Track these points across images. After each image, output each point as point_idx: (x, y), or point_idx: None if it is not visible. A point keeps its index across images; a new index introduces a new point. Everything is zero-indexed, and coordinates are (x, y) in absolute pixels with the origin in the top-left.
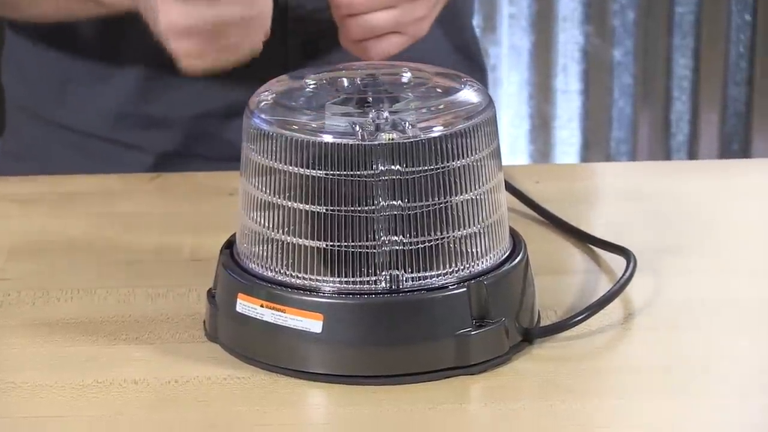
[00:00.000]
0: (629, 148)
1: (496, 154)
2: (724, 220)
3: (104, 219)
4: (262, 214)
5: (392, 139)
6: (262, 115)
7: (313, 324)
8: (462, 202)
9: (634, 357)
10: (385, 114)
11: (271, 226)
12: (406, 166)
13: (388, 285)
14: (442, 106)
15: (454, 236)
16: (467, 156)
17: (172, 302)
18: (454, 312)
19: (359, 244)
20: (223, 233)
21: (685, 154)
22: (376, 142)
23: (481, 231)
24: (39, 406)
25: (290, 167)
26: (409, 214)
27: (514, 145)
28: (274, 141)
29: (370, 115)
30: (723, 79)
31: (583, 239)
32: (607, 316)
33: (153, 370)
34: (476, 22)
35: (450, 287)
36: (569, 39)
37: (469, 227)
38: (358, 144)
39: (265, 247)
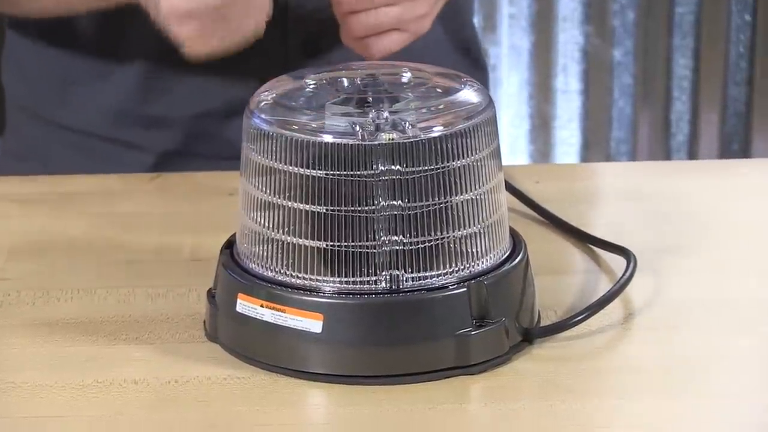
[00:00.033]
0: (629, 148)
1: (496, 154)
2: (724, 220)
3: (104, 219)
4: (262, 214)
5: (392, 139)
6: (262, 115)
7: (313, 324)
8: (462, 202)
9: (634, 357)
10: (385, 114)
11: (271, 226)
12: (406, 166)
13: (388, 285)
14: (442, 106)
15: (454, 236)
16: (467, 156)
17: (172, 302)
18: (454, 312)
19: (359, 244)
20: (223, 233)
21: (685, 154)
22: (376, 142)
23: (481, 231)
24: (39, 406)
25: (290, 167)
26: (409, 214)
27: (514, 145)
28: (274, 141)
29: (370, 115)
30: (723, 79)
31: (583, 239)
32: (607, 316)
33: (153, 370)
34: (476, 22)
35: (450, 287)
36: (569, 39)
37: (469, 227)
38: (358, 144)
39: (265, 247)
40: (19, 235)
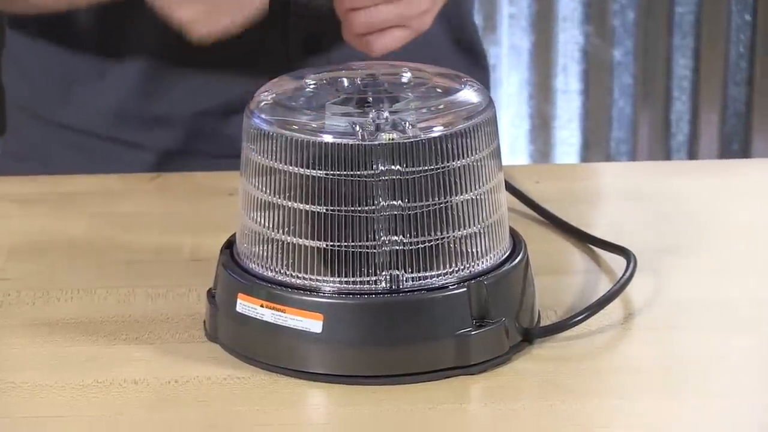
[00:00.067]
0: (629, 148)
1: (496, 154)
2: (724, 220)
3: (104, 219)
4: (262, 214)
5: (392, 139)
6: (262, 115)
7: (313, 324)
8: (462, 202)
9: (634, 357)
10: (385, 114)
11: (271, 226)
12: (406, 166)
13: (388, 285)
14: (442, 106)
15: (454, 236)
16: (467, 156)
17: (172, 302)
18: (454, 312)
19: (359, 244)
20: (223, 233)
21: (685, 154)
22: (376, 142)
23: (481, 231)
24: (39, 406)
25: (290, 167)
26: (409, 214)
27: (514, 145)
28: (274, 141)
29: (370, 115)
30: (723, 79)
31: (583, 239)
32: (607, 316)
33: (153, 370)
34: (476, 21)
35: (450, 287)
36: (569, 39)
37: (469, 227)
38: (358, 144)
39: (265, 247)
40: (19, 235)
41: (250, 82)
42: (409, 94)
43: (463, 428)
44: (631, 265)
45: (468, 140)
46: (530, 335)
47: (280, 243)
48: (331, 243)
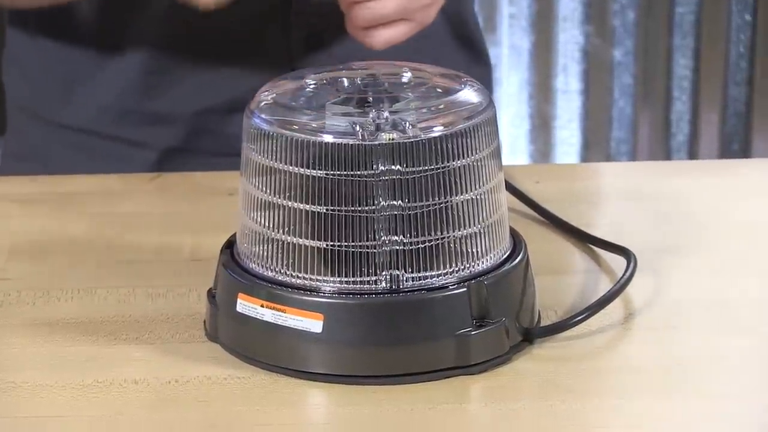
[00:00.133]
0: (629, 148)
1: (497, 154)
2: (724, 220)
3: (104, 219)
4: (263, 214)
5: (392, 139)
6: (263, 115)
7: (314, 324)
8: (462, 202)
9: (634, 357)
10: (386, 114)
11: (271, 226)
12: (407, 166)
13: (388, 285)
14: (442, 106)
15: (454, 236)
16: (467, 156)
17: (172, 302)
18: (455, 312)
19: (359, 244)
20: (223, 233)
21: (685, 154)
22: (376, 142)
23: (482, 231)
24: (39, 405)
25: (290, 167)
26: (410, 214)
27: (514, 145)
28: (275, 141)
29: (371, 115)
30: (723, 79)
31: (584, 239)
32: (607, 316)
33: (153, 370)
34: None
35: (450, 287)
36: (569, 39)
37: (470, 227)
38: (358, 144)
39: (265, 247)
40: (20, 235)
41: (252, 79)
42: (410, 94)
43: (463, 428)
44: (631, 265)
45: (468, 140)
46: (530, 335)
47: (280, 243)
48: (332, 243)
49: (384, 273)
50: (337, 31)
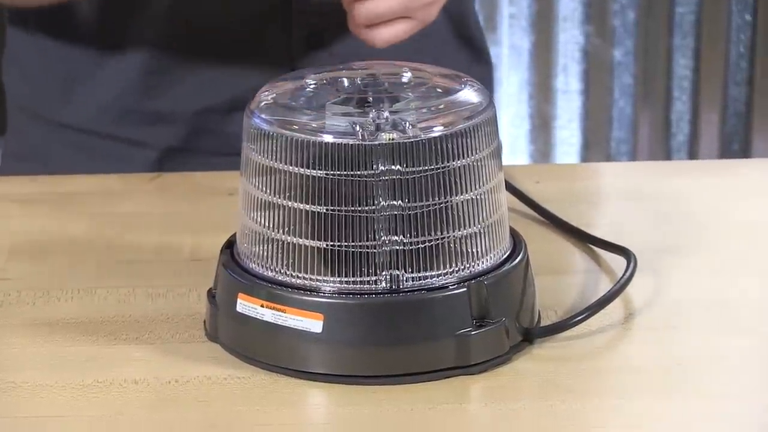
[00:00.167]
0: (629, 148)
1: (497, 154)
2: (724, 220)
3: (104, 219)
4: (263, 214)
5: (392, 139)
6: (263, 115)
7: (314, 324)
8: (462, 202)
9: (634, 357)
10: (386, 114)
11: (271, 226)
12: (407, 166)
13: (388, 285)
14: (442, 106)
15: (454, 236)
16: (467, 156)
17: (172, 302)
18: (455, 312)
19: (359, 244)
20: (223, 233)
21: (685, 154)
22: (376, 142)
23: (482, 231)
24: (39, 405)
25: (290, 167)
26: (410, 214)
27: (514, 145)
28: (275, 141)
29: (371, 115)
30: (723, 79)
31: (584, 239)
32: (607, 316)
33: (153, 370)
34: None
35: (450, 287)
36: (569, 39)
37: (470, 227)
38: (358, 144)
39: (265, 247)
40: (20, 235)
41: (252, 78)
42: (410, 93)
43: (463, 428)
44: (631, 265)
45: (468, 140)
46: (530, 335)
47: (280, 243)
48: (332, 243)
49: (384, 273)
50: (337, 31)
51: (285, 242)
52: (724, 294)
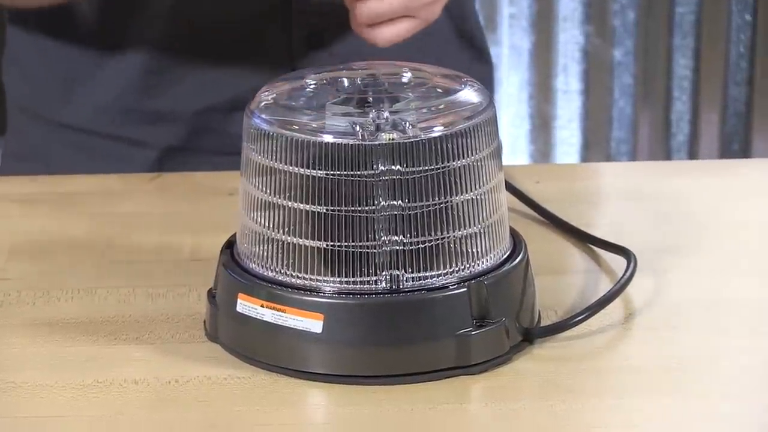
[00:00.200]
0: (629, 148)
1: (497, 154)
2: (724, 220)
3: (104, 219)
4: (263, 214)
5: (392, 139)
6: (263, 115)
7: (314, 324)
8: (462, 202)
9: (634, 357)
10: (386, 114)
11: (271, 226)
12: (407, 166)
13: (388, 285)
14: (442, 106)
15: (454, 236)
16: (468, 156)
17: (172, 302)
18: (455, 312)
19: (359, 244)
20: (223, 233)
21: (686, 154)
22: (376, 142)
23: (482, 231)
24: (39, 405)
25: (290, 167)
26: (410, 214)
27: (514, 145)
28: (275, 141)
29: (371, 115)
30: (723, 79)
31: (584, 239)
32: (607, 316)
33: (153, 370)
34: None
35: (450, 287)
36: (569, 39)
37: (470, 227)
38: (358, 144)
39: (265, 247)
40: (20, 235)
41: (253, 78)
42: (410, 94)
43: (463, 428)
44: (631, 265)
45: (468, 140)
46: (530, 335)
47: (280, 243)
48: (332, 243)
49: (384, 273)
50: (337, 31)
51: (285, 242)
52: (724, 294)
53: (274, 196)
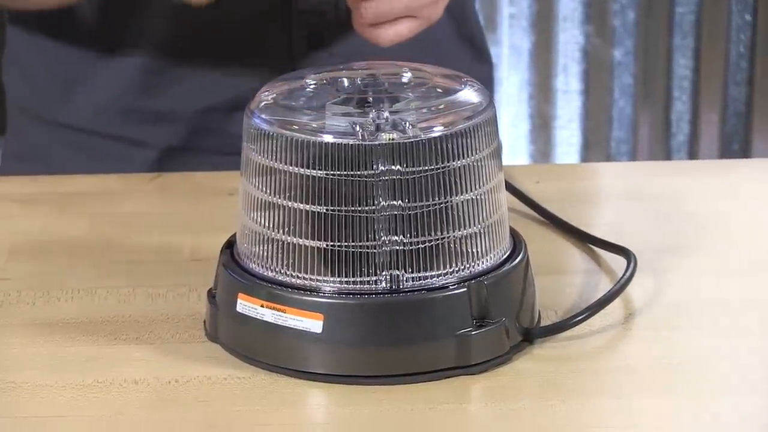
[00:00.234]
0: (629, 148)
1: (497, 154)
2: (724, 220)
3: (104, 219)
4: (263, 214)
5: (392, 139)
6: (263, 115)
7: (314, 324)
8: (462, 202)
9: (634, 357)
10: (386, 114)
11: (271, 226)
12: (407, 166)
13: (388, 285)
14: (442, 106)
15: (454, 236)
16: (468, 156)
17: (172, 302)
18: (455, 312)
19: (359, 244)
20: (223, 233)
21: (685, 154)
22: (376, 142)
23: (482, 231)
24: (39, 406)
25: (290, 167)
26: (410, 214)
27: (514, 145)
28: (275, 141)
29: (371, 115)
30: (723, 79)
31: (583, 239)
32: (607, 316)
33: (153, 370)
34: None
35: (450, 287)
36: (569, 39)
37: (470, 227)
38: (358, 144)
39: (265, 247)
40: (20, 235)
41: (253, 78)
42: (410, 94)
43: (463, 428)
44: (631, 265)
45: (468, 140)
46: (530, 335)
47: (280, 243)
48: (332, 243)
49: (384, 273)
50: (338, 30)
51: (285, 242)
52: (724, 294)
53: (274, 196)
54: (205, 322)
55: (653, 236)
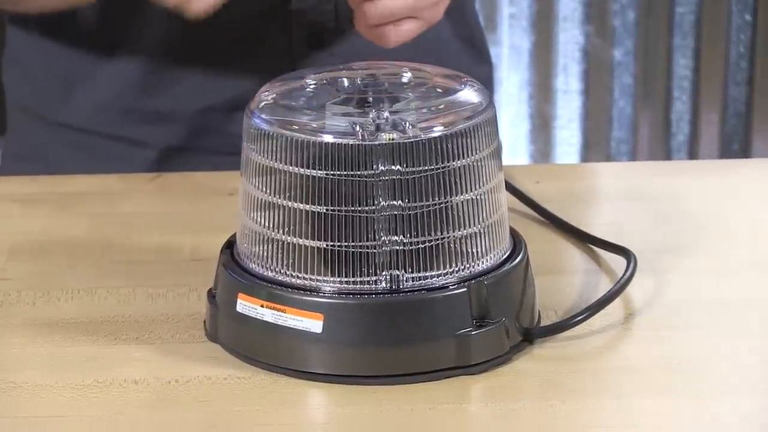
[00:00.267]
0: (629, 148)
1: (497, 154)
2: (724, 220)
3: (104, 219)
4: (263, 214)
5: (392, 139)
6: (263, 115)
7: (314, 324)
8: (462, 202)
9: (634, 357)
10: (386, 114)
11: (271, 226)
12: (407, 166)
13: (388, 285)
14: (442, 106)
15: (454, 236)
16: (468, 156)
17: (172, 302)
18: (455, 312)
19: (359, 244)
20: (223, 233)
21: (686, 154)
22: (376, 142)
23: (482, 231)
24: (39, 406)
25: (290, 167)
26: (410, 214)
27: (514, 145)
28: (275, 141)
29: (371, 115)
30: (723, 79)
31: (583, 239)
32: (607, 316)
33: (153, 370)
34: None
35: (450, 287)
36: (569, 39)
37: (470, 227)
38: (358, 144)
39: (265, 247)
40: (20, 235)
41: (253, 78)
42: (410, 94)
43: (463, 428)
44: (631, 265)
45: (468, 140)
46: (530, 335)
47: (280, 243)
48: (331, 243)
49: (384, 273)
50: (338, 30)
51: (285, 242)
52: (724, 294)
53: (274, 196)
54: (205, 322)
55: (653, 236)
